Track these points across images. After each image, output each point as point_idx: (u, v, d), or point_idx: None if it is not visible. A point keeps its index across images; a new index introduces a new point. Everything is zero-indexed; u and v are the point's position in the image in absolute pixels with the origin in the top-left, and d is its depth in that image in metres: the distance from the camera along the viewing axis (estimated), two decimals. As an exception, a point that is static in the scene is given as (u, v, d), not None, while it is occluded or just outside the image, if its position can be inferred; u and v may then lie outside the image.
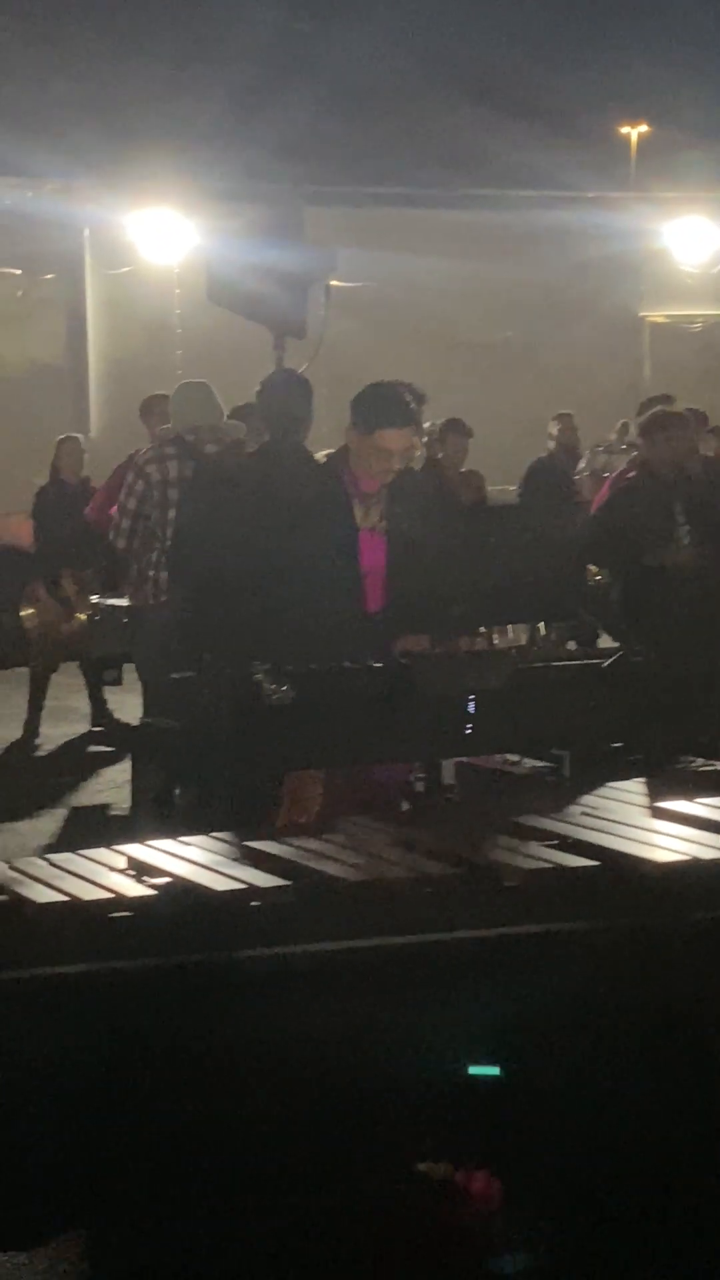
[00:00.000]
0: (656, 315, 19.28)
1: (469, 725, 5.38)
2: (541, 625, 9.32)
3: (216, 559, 6.37)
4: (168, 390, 9.85)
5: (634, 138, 31.11)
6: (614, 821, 4.40)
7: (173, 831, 4.44)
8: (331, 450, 6.09)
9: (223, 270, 8.38)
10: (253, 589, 5.68)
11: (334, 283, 7.40)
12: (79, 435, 12.73)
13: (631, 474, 9.14)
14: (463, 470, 11.65)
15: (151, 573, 8.76)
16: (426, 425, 11.03)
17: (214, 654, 6.51)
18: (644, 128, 31.63)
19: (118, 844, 4.21)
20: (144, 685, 8.79)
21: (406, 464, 5.87)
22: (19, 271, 16.75)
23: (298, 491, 5.86)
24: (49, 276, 16.99)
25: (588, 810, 4.55)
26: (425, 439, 11.01)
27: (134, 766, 5.77)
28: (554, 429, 13.64)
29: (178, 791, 6.80)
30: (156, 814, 5.50)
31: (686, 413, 9.50)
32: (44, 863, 4.08)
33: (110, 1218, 3.80)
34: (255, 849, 4.15)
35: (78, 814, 9.54)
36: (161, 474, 8.65)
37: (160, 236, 16.61)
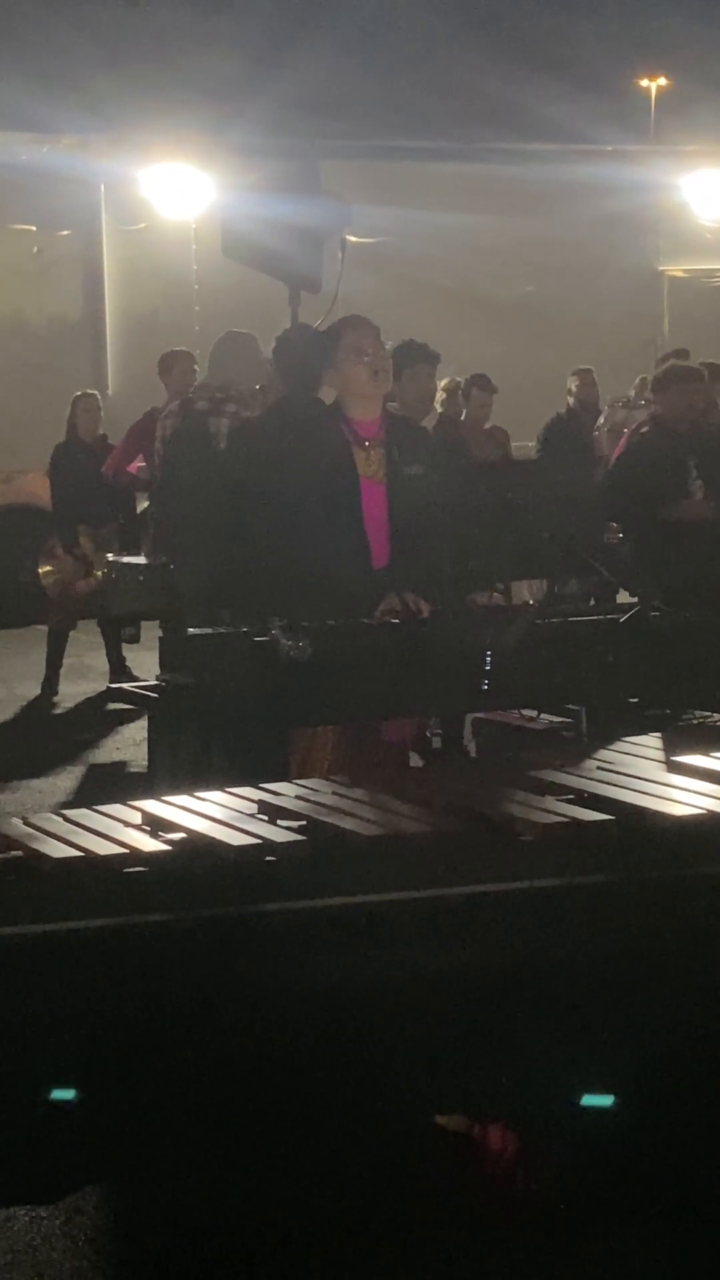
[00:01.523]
0: (676, 269, 19.13)
1: (486, 681, 5.38)
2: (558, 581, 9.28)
3: (227, 515, 6.37)
4: (185, 346, 9.85)
5: (653, 90, 30.86)
6: (630, 776, 4.40)
7: (189, 787, 4.44)
8: None
9: (238, 225, 8.35)
10: (267, 544, 5.67)
11: (350, 237, 7.35)
12: (95, 392, 12.71)
13: (645, 428, 9.10)
14: (487, 426, 11.59)
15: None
16: (445, 382, 10.98)
17: (232, 610, 6.52)
18: (663, 80, 31.38)
19: (134, 800, 4.22)
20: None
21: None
22: (35, 228, 16.66)
23: (307, 445, 5.84)
24: (65, 233, 16.89)
25: (604, 765, 4.55)
26: (443, 395, 10.97)
27: (150, 723, 5.77)
28: (573, 384, 13.57)
29: (194, 747, 6.81)
30: (173, 770, 5.50)
31: (702, 366, 9.47)
32: (59, 818, 4.09)
33: (127, 1172, 3.82)
34: (271, 804, 4.15)
35: (95, 771, 9.57)
36: (161, 431, 8.91)
37: (176, 192, 16.52)
